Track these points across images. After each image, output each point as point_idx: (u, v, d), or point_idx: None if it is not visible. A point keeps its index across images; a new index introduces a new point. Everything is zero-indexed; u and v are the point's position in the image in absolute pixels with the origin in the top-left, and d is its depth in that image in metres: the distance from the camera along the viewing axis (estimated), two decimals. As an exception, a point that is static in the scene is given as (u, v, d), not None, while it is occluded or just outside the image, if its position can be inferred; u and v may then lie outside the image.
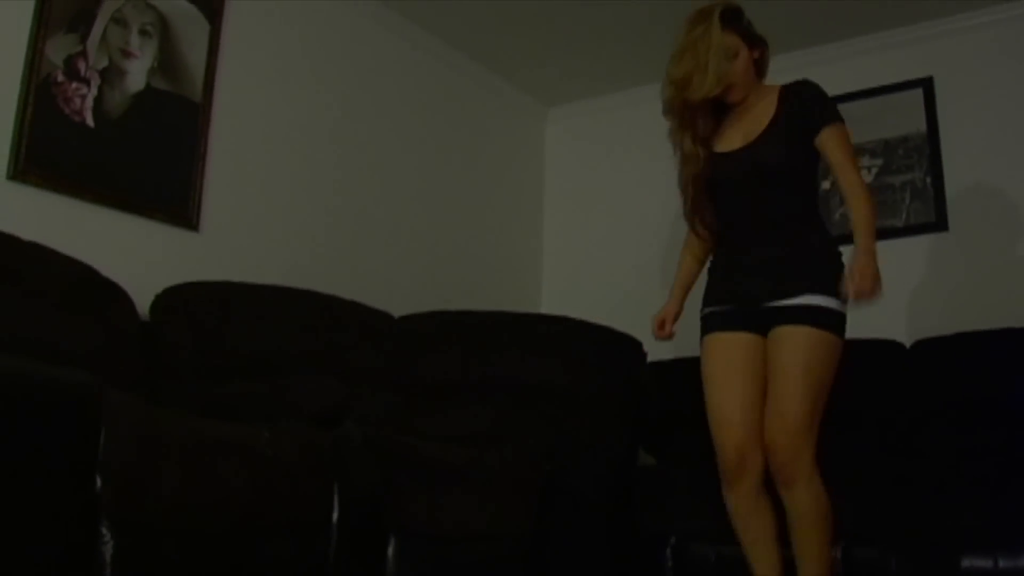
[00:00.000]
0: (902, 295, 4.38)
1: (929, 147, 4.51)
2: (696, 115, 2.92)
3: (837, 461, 3.49)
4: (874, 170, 4.61)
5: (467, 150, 5.15)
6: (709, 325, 2.97)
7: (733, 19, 2.91)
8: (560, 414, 3.53)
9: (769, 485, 2.81)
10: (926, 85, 4.57)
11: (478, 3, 4.59)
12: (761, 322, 2.84)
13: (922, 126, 4.55)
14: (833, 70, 4.79)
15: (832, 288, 2.75)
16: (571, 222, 5.52)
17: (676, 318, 3.17)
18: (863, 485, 3.27)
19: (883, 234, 4.45)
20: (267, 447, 2.41)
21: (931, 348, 3.91)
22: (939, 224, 4.42)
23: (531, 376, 3.62)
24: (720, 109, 2.99)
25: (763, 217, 2.89)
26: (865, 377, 3.90)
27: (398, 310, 4.02)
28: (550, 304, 5.37)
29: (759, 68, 3.00)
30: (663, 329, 3.15)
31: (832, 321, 2.76)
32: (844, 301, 2.73)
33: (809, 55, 4.83)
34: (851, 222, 2.80)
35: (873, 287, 2.63)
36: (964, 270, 4.32)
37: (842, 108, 4.59)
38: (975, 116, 4.43)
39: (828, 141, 2.84)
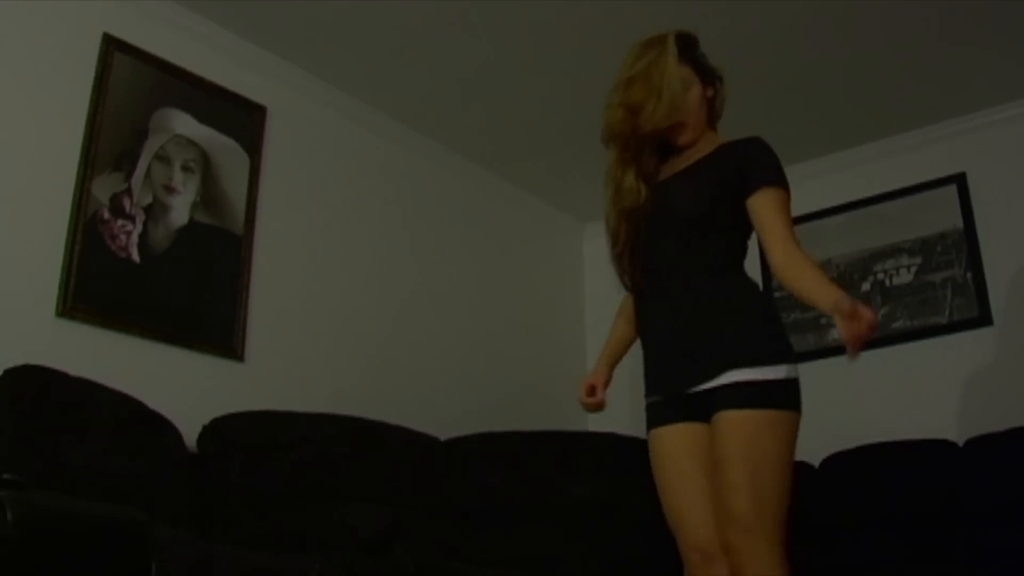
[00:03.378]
0: (951, 392, 4.33)
1: (967, 242, 4.49)
2: (642, 148, 2.61)
3: (891, 566, 3.42)
4: (913, 269, 4.59)
5: (507, 270, 5.19)
6: (649, 419, 2.63)
7: (688, 48, 2.64)
8: (608, 531, 3.48)
9: None
10: (959, 181, 4.58)
11: (510, 126, 4.68)
12: (697, 408, 2.47)
13: (958, 222, 4.55)
14: (865, 172, 4.84)
15: (765, 353, 2.40)
16: (612, 335, 5.51)
17: (605, 385, 2.81)
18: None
19: (927, 333, 4.48)
20: (318, 577, 2.39)
21: (985, 445, 3.83)
22: (983, 319, 4.38)
23: (578, 495, 3.59)
24: (663, 150, 2.68)
25: (677, 272, 2.56)
26: (919, 478, 3.84)
27: (444, 432, 4.01)
28: (596, 420, 5.32)
29: (711, 112, 2.70)
30: (593, 395, 2.78)
31: (771, 395, 2.38)
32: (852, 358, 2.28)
33: (840, 159, 4.87)
34: (795, 285, 2.42)
35: (867, 328, 2.20)
36: (1012, 364, 4.26)
37: (876, 209, 4.76)
38: (1011, 208, 4.42)
39: (756, 205, 2.50)
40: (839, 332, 2.27)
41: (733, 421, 2.37)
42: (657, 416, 2.61)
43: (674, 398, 2.54)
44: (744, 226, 2.58)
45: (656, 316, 2.61)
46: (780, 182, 2.53)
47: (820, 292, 2.37)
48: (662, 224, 2.59)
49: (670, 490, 2.56)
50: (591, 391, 2.80)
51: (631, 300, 2.76)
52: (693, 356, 2.47)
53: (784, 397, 2.40)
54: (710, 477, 2.45)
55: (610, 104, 2.62)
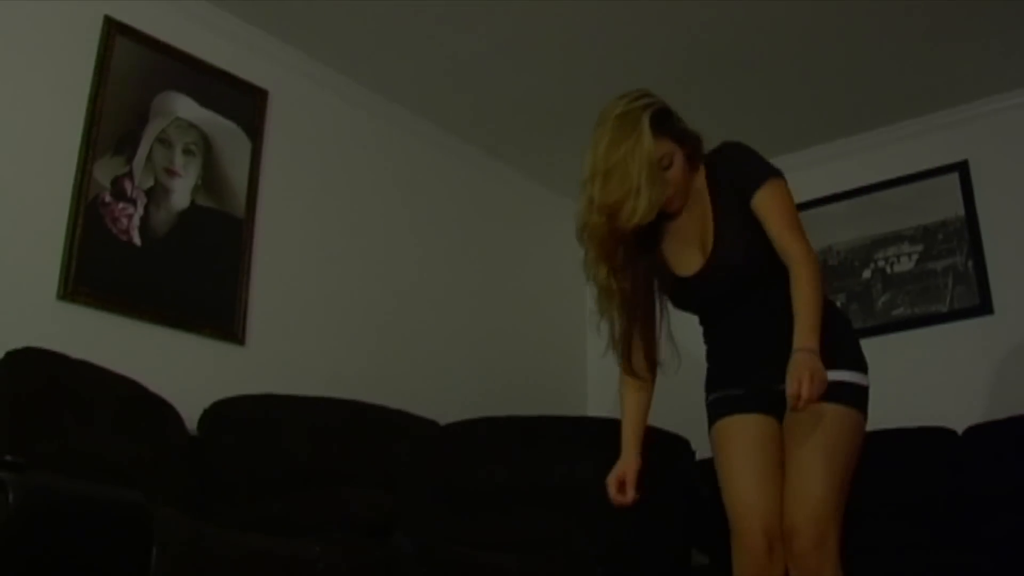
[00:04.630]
0: (951, 381, 4.33)
1: (968, 231, 4.49)
2: (619, 242, 2.55)
3: (892, 554, 3.42)
4: (915, 256, 4.59)
5: (507, 253, 5.19)
6: (718, 410, 2.63)
7: (664, 122, 2.51)
8: (611, 516, 3.48)
9: None
10: (961, 169, 4.57)
11: (510, 109, 4.68)
12: (776, 405, 2.48)
13: (960, 210, 4.54)
14: (867, 159, 4.83)
15: (852, 361, 2.48)
16: (613, 320, 5.51)
17: (637, 474, 2.67)
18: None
19: (928, 320, 4.47)
20: (318, 561, 2.40)
21: (985, 433, 3.84)
22: (984, 307, 4.38)
23: (580, 479, 3.59)
24: (656, 221, 2.56)
25: (757, 310, 2.55)
26: (918, 466, 3.84)
27: (444, 416, 4.02)
28: (596, 405, 5.34)
29: (692, 162, 2.59)
30: (623, 493, 2.66)
31: (856, 396, 2.45)
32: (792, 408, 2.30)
33: (842, 146, 4.86)
34: (796, 302, 2.38)
35: (814, 393, 2.23)
36: (1012, 352, 4.26)
37: (878, 197, 4.75)
38: (1013, 196, 4.42)
39: (760, 206, 2.48)
40: (791, 383, 2.26)
41: (825, 412, 2.38)
42: (735, 405, 2.59)
43: (756, 392, 2.55)
44: None
45: (734, 323, 2.61)
46: (771, 172, 2.52)
47: (809, 326, 2.34)
48: (720, 288, 2.58)
49: (741, 476, 2.54)
50: (621, 487, 2.68)
51: (628, 380, 2.73)
52: (788, 351, 2.36)
53: (864, 401, 2.47)
54: (778, 470, 2.48)
55: (587, 200, 2.52)
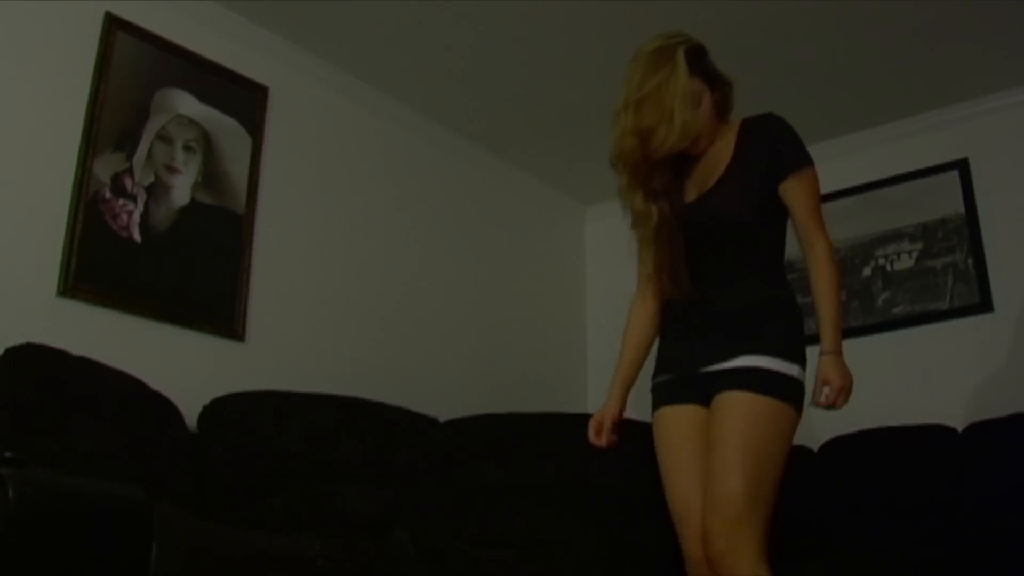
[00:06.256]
0: (951, 378, 4.33)
1: (968, 228, 4.49)
2: (653, 170, 2.55)
3: (892, 553, 3.42)
4: (915, 254, 4.59)
5: (508, 252, 5.19)
6: (656, 398, 2.62)
7: (698, 60, 2.56)
8: (612, 512, 3.49)
9: None
10: (962, 167, 4.57)
11: (512, 108, 4.68)
12: (703, 390, 2.47)
13: (960, 208, 4.54)
14: (867, 157, 4.83)
15: (783, 348, 2.41)
16: (614, 318, 5.50)
17: (615, 420, 2.71)
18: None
19: (928, 318, 4.47)
20: (318, 558, 2.39)
21: (985, 431, 3.84)
22: (983, 305, 4.38)
23: (580, 476, 3.60)
24: (678, 159, 2.62)
25: (715, 275, 2.54)
26: (918, 464, 3.84)
27: (444, 414, 4.02)
28: (596, 402, 5.33)
29: (721, 109, 2.65)
30: (598, 436, 2.70)
31: (780, 386, 2.37)
32: (825, 406, 2.35)
33: (842, 144, 4.86)
34: (817, 300, 2.43)
35: (842, 397, 2.30)
36: (1012, 350, 4.27)
37: (878, 194, 4.75)
38: (1013, 194, 4.42)
39: (791, 192, 2.49)
40: (820, 383, 2.33)
41: (737, 400, 2.36)
42: (664, 395, 2.60)
43: (682, 379, 2.54)
44: (779, 214, 2.57)
45: (689, 307, 2.58)
46: (808, 160, 2.53)
47: (832, 326, 2.39)
48: (712, 235, 2.56)
49: (676, 474, 2.53)
50: (598, 430, 2.72)
51: (639, 316, 2.75)
52: (711, 338, 2.46)
53: (791, 393, 2.40)
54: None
55: (620, 128, 2.54)
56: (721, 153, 2.59)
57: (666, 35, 2.59)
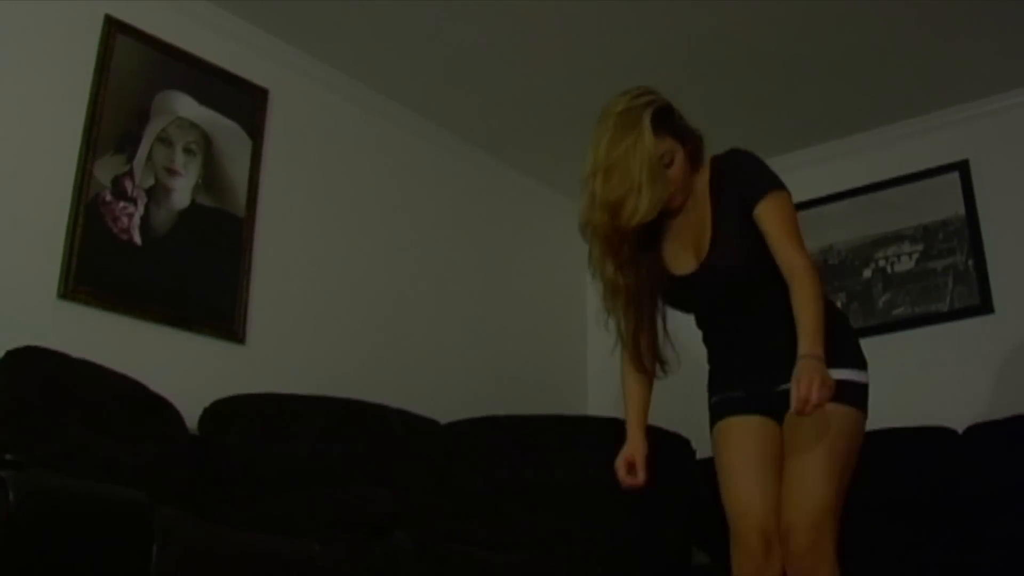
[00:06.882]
0: (951, 380, 4.33)
1: (969, 230, 4.49)
2: (624, 239, 2.54)
3: (890, 553, 3.43)
4: (915, 256, 4.59)
5: (507, 253, 5.19)
6: (719, 412, 2.64)
7: (665, 121, 2.51)
8: (611, 515, 3.49)
9: None
10: (962, 168, 4.57)
11: (511, 109, 4.68)
12: (776, 406, 2.49)
13: (960, 209, 4.54)
14: (867, 158, 4.83)
15: (852, 358, 2.49)
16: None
17: (645, 457, 2.69)
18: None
19: (928, 320, 4.47)
20: (318, 559, 2.40)
21: (985, 433, 3.84)
22: (984, 307, 4.37)
23: (580, 478, 3.60)
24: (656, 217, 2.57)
25: (754, 314, 2.56)
26: (919, 466, 3.84)
27: (445, 416, 4.02)
28: (596, 405, 5.34)
29: (694, 161, 2.60)
30: (634, 474, 2.66)
31: (855, 395, 2.45)
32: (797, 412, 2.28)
33: (842, 145, 4.86)
34: (797, 308, 2.38)
35: (821, 398, 2.22)
36: (1012, 351, 4.26)
37: (878, 196, 4.75)
38: (1013, 196, 4.42)
39: (762, 216, 2.47)
40: (798, 387, 2.24)
41: (827, 413, 2.35)
42: (731, 407, 2.60)
43: (756, 394, 2.56)
44: None
45: (733, 327, 2.61)
46: (776, 184, 2.51)
47: (812, 330, 2.34)
48: (728, 293, 2.57)
49: (740, 476, 2.54)
50: (631, 469, 2.68)
51: (633, 386, 2.75)
52: (786, 355, 2.37)
53: (864, 401, 2.47)
54: (777, 471, 2.48)
55: (589, 196, 2.53)
56: (702, 207, 2.59)
57: (632, 94, 2.55)
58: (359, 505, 2.72)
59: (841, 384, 2.37)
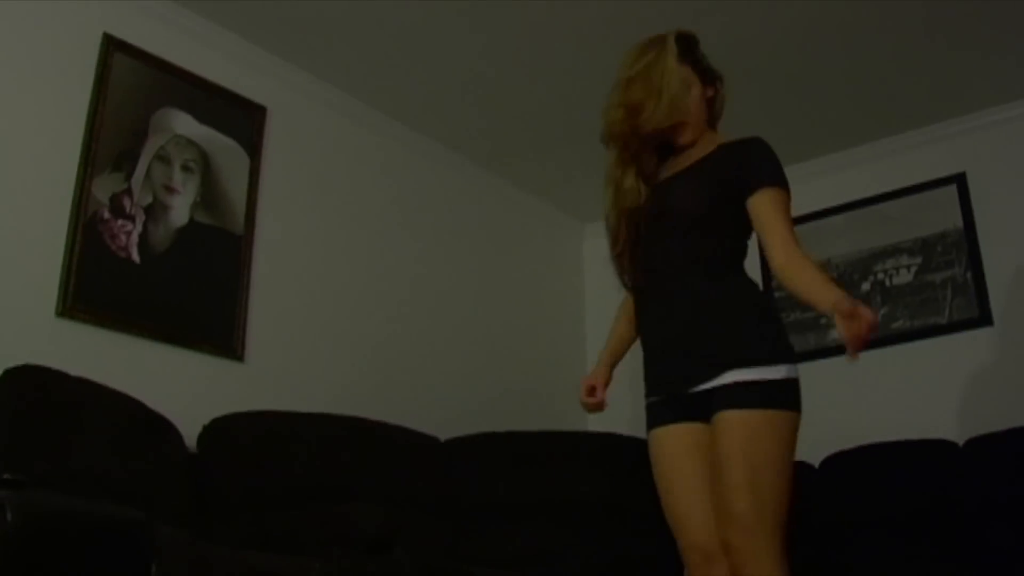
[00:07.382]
0: (951, 392, 4.33)
1: (967, 242, 4.49)
2: (642, 148, 2.58)
3: (891, 566, 3.42)
4: (913, 269, 4.59)
5: (507, 270, 5.19)
6: (649, 418, 2.62)
7: (688, 49, 2.61)
8: (608, 530, 3.49)
9: None
10: (959, 181, 4.58)
11: (510, 126, 4.69)
12: (699, 408, 2.45)
13: (958, 222, 4.55)
14: (865, 171, 4.84)
15: (766, 352, 2.40)
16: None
17: (606, 385, 2.79)
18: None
19: (927, 333, 4.47)
20: (318, 577, 2.39)
21: (985, 445, 3.84)
22: (983, 319, 4.38)
23: (578, 494, 3.60)
24: (664, 150, 2.65)
25: (670, 299, 2.53)
26: (919, 478, 3.84)
27: (444, 432, 4.01)
28: (596, 420, 5.32)
29: (711, 112, 2.68)
30: (593, 394, 2.77)
31: (770, 395, 2.36)
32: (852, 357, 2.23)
33: (840, 159, 4.88)
34: (793, 284, 2.39)
35: (867, 328, 2.17)
36: (1012, 364, 4.26)
37: (876, 209, 4.76)
38: (1011, 208, 4.42)
39: (756, 205, 2.48)
40: (839, 332, 2.23)
41: (732, 421, 2.35)
42: (656, 417, 2.59)
43: (673, 398, 2.52)
44: (744, 227, 2.56)
45: (656, 316, 2.59)
46: (780, 182, 2.51)
47: (820, 292, 2.34)
48: (662, 224, 2.57)
49: (670, 491, 2.54)
50: (591, 391, 2.78)
51: (631, 300, 2.74)
52: (693, 356, 2.45)
53: (784, 397, 2.39)
54: (710, 478, 2.43)
55: (610, 104, 2.59)
56: (696, 154, 2.61)
57: (658, 34, 2.64)
58: (359, 522, 2.71)
59: (755, 386, 2.35)
